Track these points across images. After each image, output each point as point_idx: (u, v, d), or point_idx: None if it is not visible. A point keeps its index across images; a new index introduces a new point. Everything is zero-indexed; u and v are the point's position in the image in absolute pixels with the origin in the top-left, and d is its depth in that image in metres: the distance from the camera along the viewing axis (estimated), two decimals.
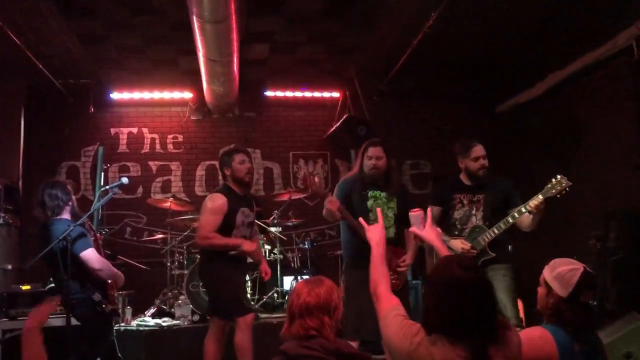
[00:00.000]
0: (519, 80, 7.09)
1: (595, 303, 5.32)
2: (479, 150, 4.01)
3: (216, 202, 4.07)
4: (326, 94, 7.84)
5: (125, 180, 3.98)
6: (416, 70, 7.03)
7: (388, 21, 5.92)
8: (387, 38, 6.30)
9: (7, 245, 5.72)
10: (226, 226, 4.10)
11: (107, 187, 3.96)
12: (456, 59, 7.01)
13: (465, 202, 4.07)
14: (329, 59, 6.97)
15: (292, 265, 6.42)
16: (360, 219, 3.00)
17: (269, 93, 7.78)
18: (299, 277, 6.08)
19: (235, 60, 5.82)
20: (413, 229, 2.83)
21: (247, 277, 4.08)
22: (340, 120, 7.19)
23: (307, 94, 7.85)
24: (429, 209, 4.09)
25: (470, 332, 1.84)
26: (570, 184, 3.65)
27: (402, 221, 3.90)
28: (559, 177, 3.69)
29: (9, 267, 5.59)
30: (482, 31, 6.16)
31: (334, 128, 7.36)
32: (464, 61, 7.08)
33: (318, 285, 2.24)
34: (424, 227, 2.74)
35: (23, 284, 5.18)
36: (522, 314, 5.50)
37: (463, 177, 4.12)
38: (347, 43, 6.51)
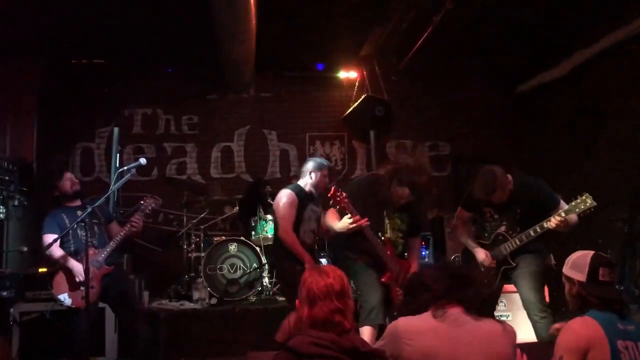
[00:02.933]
0: (543, 58, 6.89)
1: (622, 288, 5.20)
2: (495, 198, 3.90)
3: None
4: (343, 74, 7.66)
5: (143, 160, 3.93)
6: (436, 50, 6.84)
7: None
8: (407, 15, 6.10)
9: (22, 227, 5.66)
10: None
11: (125, 167, 3.89)
12: (477, 37, 6.81)
13: (495, 216, 4.08)
14: (347, 37, 6.79)
15: None
16: None
17: (285, 73, 7.60)
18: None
19: (253, 38, 5.68)
20: None
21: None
22: (359, 101, 7.04)
23: (324, 74, 7.66)
24: (459, 209, 4.29)
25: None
26: (595, 204, 3.57)
27: (408, 234, 4.08)
28: (584, 195, 3.63)
29: (25, 249, 5.53)
30: (505, 6, 5.95)
31: (351, 109, 7.22)
32: (485, 40, 6.87)
33: (334, 269, 2.22)
34: None
35: (39, 266, 5.16)
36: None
37: None
38: (365, 21, 6.33)
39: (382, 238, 3.89)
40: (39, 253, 4.22)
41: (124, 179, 3.85)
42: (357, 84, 7.58)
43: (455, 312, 2.29)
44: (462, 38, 6.79)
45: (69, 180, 4.34)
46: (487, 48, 7.11)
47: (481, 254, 4.05)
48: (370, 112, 6.96)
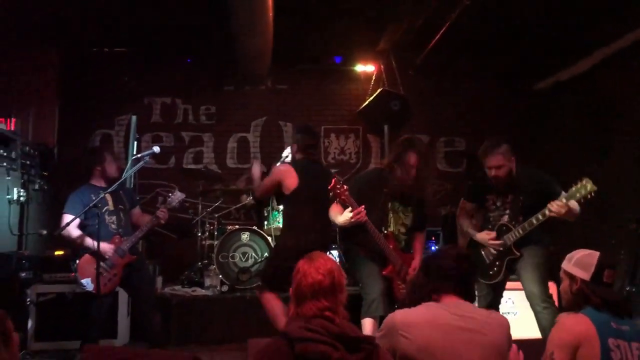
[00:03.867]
0: (561, 56, 6.81)
1: (634, 290, 5.16)
2: (491, 160, 3.88)
3: None
4: (360, 68, 7.67)
5: (156, 149, 4.00)
6: (453, 45, 6.81)
7: None
8: (424, 10, 6.08)
9: (42, 211, 5.81)
10: None
11: (139, 155, 3.98)
12: (495, 32, 6.74)
13: (498, 204, 4.06)
14: (364, 31, 6.79)
15: None
16: None
17: (302, 65, 7.63)
18: (327, 253, 6.04)
19: (270, 31, 5.72)
20: None
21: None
22: (375, 94, 7.04)
23: (341, 67, 7.68)
24: (461, 201, 4.31)
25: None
26: (596, 188, 3.49)
27: (413, 229, 4.07)
28: (584, 180, 3.53)
29: (44, 232, 5.68)
30: (522, 4, 5.91)
31: (367, 102, 7.23)
32: (503, 35, 6.80)
33: (327, 261, 2.12)
34: None
35: (56, 249, 5.30)
36: (555, 298, 5.40)
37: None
38: (382, 15, 6.33)
39: (385, 232, 3.89)
40: (55, 231, 4.22)
41: (137, 166, 3.94)
42: (374, 78, 7.58)
43: (452, 301, 2.33)
44: (479, 35, 6.75)
45: (115, 165, 4.37)
46: (504, 46, 7.05)
47: (482, 235, 4.03)
48: (386, 106, 6.95)
